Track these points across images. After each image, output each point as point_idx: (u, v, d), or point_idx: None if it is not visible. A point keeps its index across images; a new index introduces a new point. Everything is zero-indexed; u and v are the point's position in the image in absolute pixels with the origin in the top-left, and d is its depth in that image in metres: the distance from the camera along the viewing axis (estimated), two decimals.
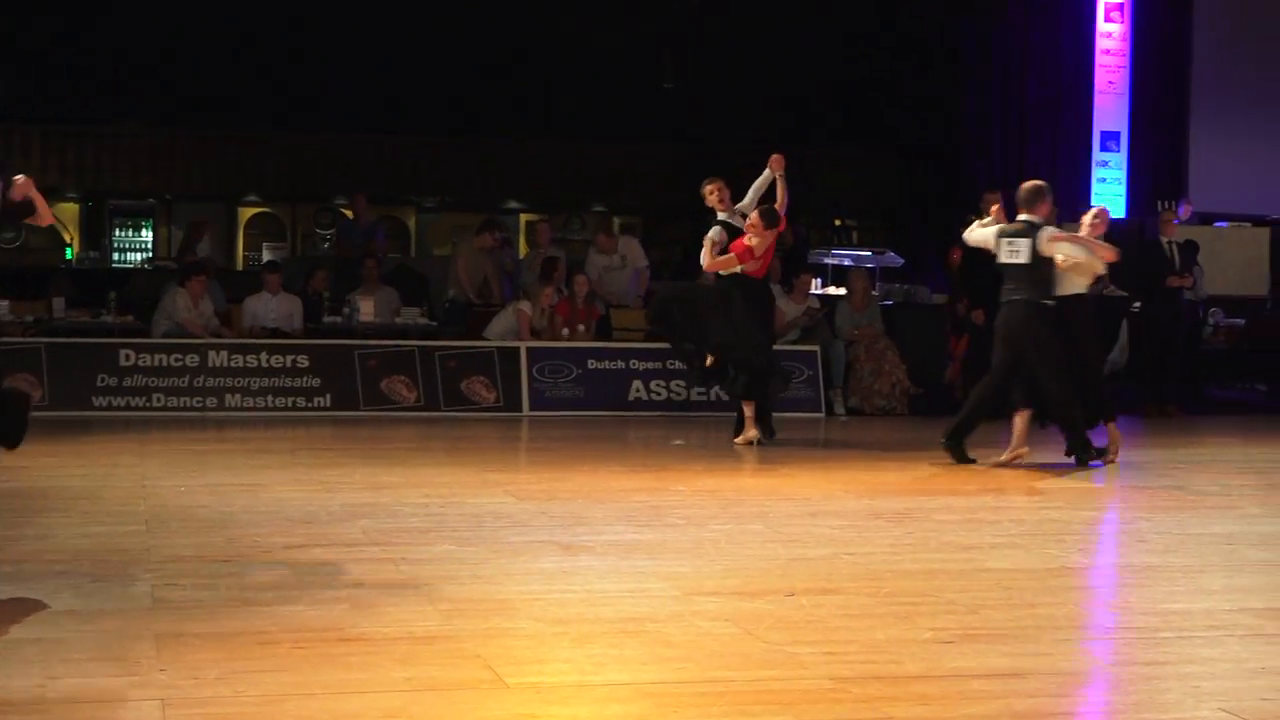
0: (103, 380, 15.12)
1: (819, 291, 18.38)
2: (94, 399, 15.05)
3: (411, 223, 26.12)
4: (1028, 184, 11.72)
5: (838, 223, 25.83)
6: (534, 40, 23.86)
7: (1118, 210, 22.20)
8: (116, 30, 22.78)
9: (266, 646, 5.84)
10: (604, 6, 23.52)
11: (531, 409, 15.77)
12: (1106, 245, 12.28)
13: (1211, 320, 19.56)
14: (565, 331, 16.33)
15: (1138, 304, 17.48)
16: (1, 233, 24.37)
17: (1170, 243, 16.87)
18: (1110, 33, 22.94)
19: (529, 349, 15.94)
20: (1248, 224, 20.65)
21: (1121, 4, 22.93)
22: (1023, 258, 11.43)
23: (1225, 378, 19.24)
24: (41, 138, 24.07)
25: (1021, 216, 11.59)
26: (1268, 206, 20.87)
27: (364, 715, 5.00)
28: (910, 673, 5.66)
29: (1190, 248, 17.58)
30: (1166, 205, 18.33)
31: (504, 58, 23.77)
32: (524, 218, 25.48)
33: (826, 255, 20.86)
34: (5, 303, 15.99)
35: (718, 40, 24.19)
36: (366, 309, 16.51)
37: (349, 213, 23.85)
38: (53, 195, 24.78)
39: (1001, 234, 11.57)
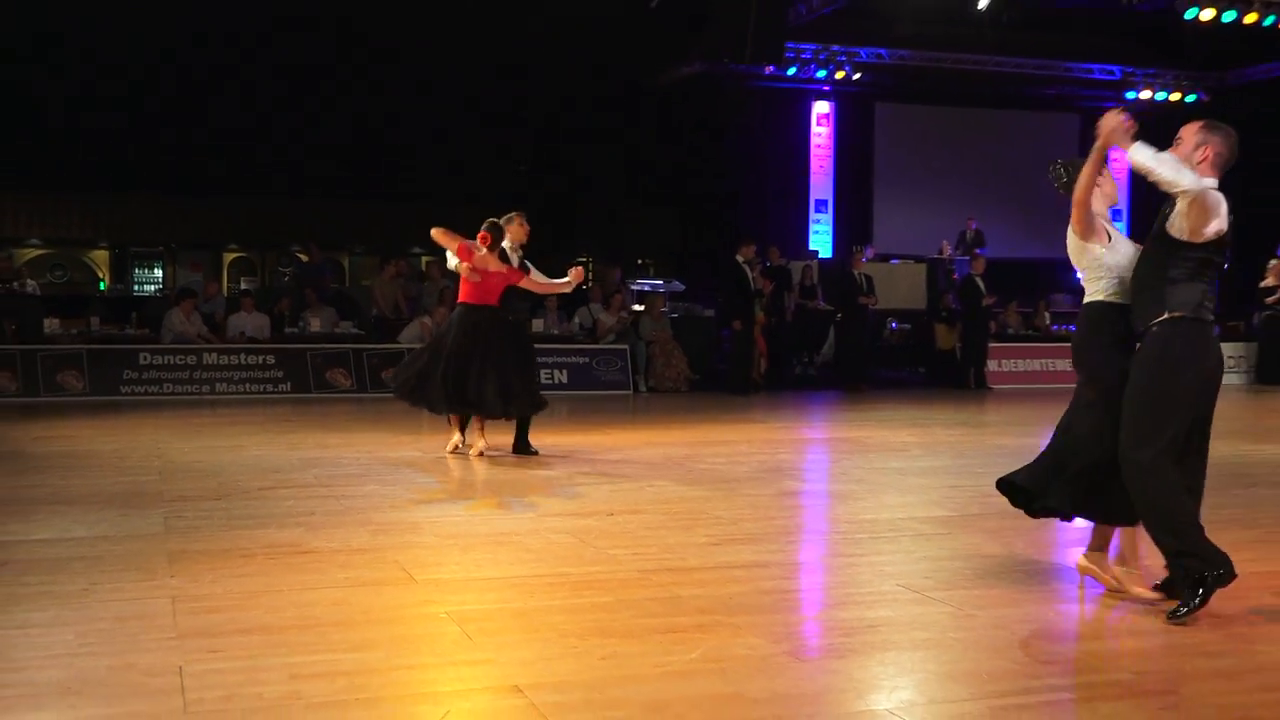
0: (128, 375, 14.69)
1: (629, 308, 18.41)
2: (122, 388, 14.60)
3: (346, 262, 25.68)
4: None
5: (640, 261, 25.94)
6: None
7: (826, 252, 22.63)
8: (140, 120, 21.97)
9: (247, 558, 5.74)
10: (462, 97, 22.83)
11: None
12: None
13: (891, 325, 20.07)
14: None
15: (839, 315, 17.81)
16: (53, 273, 23.74)
17: (860, 273, 17.31)
18: (820, 134, 23.38)
19: None
20: (912, 260, 21.14)
21: (827, 114, 23.37)
22: None
23: (896, 363, 19.61)
24: (81, 204, 23.32)
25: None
26: (924, 249, 21.38)
27: (316, 604, 4.93)
28: (691, 565, 5.71)
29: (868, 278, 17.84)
30: (857, 248, 18.61)
31: (413, 140, 23.25)
32: (424, 259, 25.12)
33: (634, 283, 20.96)
34: (56, 320, 15.53)
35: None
36: (315, 323, 16.23)
37: (304, 255, 23.38)
38: (88, 245, 24.09)
39: None
